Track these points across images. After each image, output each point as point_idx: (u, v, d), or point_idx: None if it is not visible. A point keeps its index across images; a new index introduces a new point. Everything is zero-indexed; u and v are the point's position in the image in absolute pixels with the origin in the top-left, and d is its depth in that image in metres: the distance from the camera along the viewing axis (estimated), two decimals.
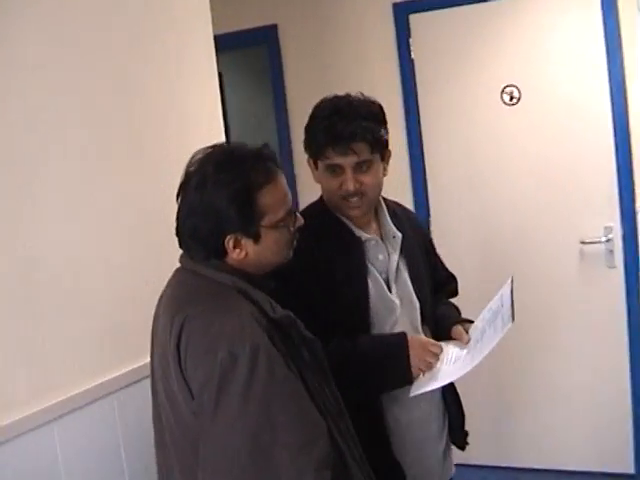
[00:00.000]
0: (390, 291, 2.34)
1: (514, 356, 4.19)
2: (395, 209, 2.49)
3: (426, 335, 2.38)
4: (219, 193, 1.74)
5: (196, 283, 1.81)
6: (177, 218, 1.84)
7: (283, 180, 1.86)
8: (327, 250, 2.29)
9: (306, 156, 2.33)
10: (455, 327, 2.35)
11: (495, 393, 4.35)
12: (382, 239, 2.37)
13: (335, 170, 2.23)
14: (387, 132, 2.30)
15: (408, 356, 2.18)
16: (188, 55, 2.80)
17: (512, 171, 4.15)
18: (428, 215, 4.35)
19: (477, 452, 3.84)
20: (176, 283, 1.87)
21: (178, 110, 2.71)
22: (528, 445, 4.32)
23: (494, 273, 4.08)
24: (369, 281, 2.29)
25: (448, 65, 4.18)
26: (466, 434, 2.56)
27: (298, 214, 1.93)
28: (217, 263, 1.81)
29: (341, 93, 2.28)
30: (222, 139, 2.86)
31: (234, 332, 1.66)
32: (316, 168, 2.31)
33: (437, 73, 4.21)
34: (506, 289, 2.22)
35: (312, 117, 2.29)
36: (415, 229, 2.53)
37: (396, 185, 4.23)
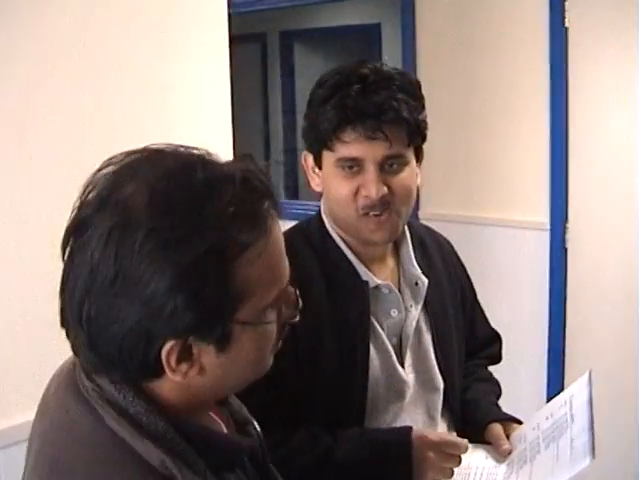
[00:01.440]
0: (402, 364, 1.66)
1: None
2: (423, 236, 1.79)
3: (448, 429, 1.73)
4: (157, 261, 0.89)
5: (94, 444, 0.96)
6: (62, 295, 0.97)
7: (280, 232, 1.01)
8: (313, 297, 1.56)
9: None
10: (492, 426, 1.68)
11: None
12: (399, 284, 1.68)
13: (351, 167, 1.54)
14: (426, 116, 1.59)
15: (411, 463, 1.51)
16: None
17: None
18: (564, 227, 3.56)
19: None
20: (61, 420, 1.00)
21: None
22: None
23: None
24: (371, 348, 1.62)
25: (609, 40, 3.30)
26: None
27: (297, 296, 1.07)
28: (139, 410, 0.97)
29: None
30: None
31: None
32: (318, 167, 1.61)
33: (595, 49, 3.36)
34: (580, 391, 1.54)
35: (318, 86, 1.58)
36: (449, 266, 1.82)
37: (529, 186, 3.64)
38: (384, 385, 1.64)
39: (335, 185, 1.58)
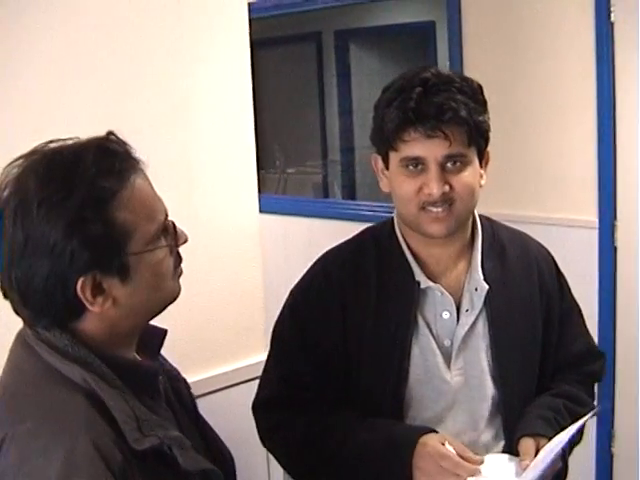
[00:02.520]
0: (449, 365, 1.70)
1: None
2: (505, 242, 1.80)
3: (491, 441, 1.73)
4: (51, 218, 1.17)
5: (33, 374, 1.24)
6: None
7: (145, 180, 1.29)
8: (365, 293, 1.73)
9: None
10: (523, 440, 1.66)
11: None
12: (463, 288, 1.72)
13: (415, 166, 1.61)
14: (488, 119, 1.66)
15: (407, 466, 1.57)
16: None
17: None
18: (614, 225, 3.46)
19: None
20: (11, 364, 1.29)
21: None
22: None
23: None
24: (414, 347, 1.69)
25: None
26: None
27: (179, 227, 1.34)
28: (65, 343, 1.23)
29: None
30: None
31: None
32: (386, 167, 1.70)
33: None
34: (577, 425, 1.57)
35: (384, 91, 1.68)
36: (532, 276, 1.80)
37: (577, 183, 3.56)
38: (426, 383, 1.70)
39: (399, 183, 1.65)
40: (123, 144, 1.29)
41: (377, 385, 1.70)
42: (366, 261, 1.75)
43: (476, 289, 1.71)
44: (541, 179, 3.64)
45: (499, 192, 3.79)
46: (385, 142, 1.65)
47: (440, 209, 1.62)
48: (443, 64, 4.87)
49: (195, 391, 2.20)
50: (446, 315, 1.70)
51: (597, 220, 3.49)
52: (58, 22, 2.00)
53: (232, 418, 2.00)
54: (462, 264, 1.75)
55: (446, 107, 1.56)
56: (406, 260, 1.72)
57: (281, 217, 4.70)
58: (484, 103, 1.66)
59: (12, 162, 1.25)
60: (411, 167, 1.62)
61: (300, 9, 4.94)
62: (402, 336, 1.68)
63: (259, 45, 5.59)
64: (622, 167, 3.40)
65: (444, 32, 5.65)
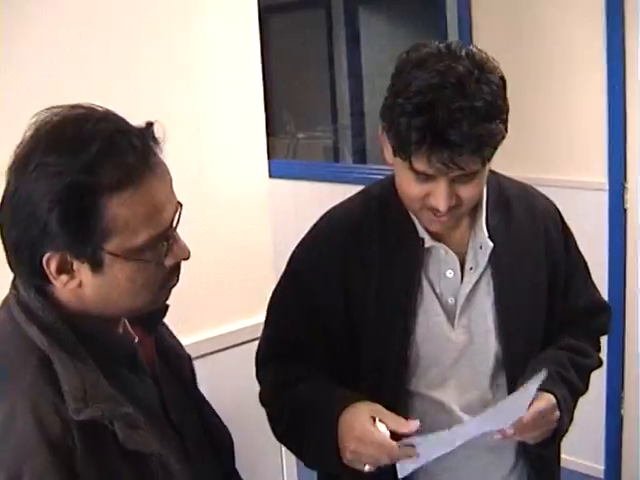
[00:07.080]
0: (453, 324, 1.69)
1: None
2: (510, 198, 1.75)
3: (493, 398, 1.71)
4: (40, 185, 1.15)
5: (4, 333, 1.24)
6: None
7: (160, 186, 1.21)
8: (368, 253, 1.68)
9: None
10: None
11: None
12: (467, 246, 1.68)
13: (425, 176, 1.52)
14: (506, 121, 1.53)
15: (336, 439, 1.58)
16: None
17: None
18: (623, 186, 3.45)
19: None
20: None
21: None
22: None
23: None
24: (418, 307, 1.67)
25: None
26: None
27: (181, 241, 1.27)
28: (37, 305, 1.22)
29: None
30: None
31: None
32: (394, 154, 1.55)
33: None
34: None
35: (401, 86, 1.49)
36: (539, 231, 1.76)
37: (586, 145, 3.57)
38: (430, 342, 1.68)
39: (404, 183, 1.58)
40: (148, 141, 1.22)
41: (382, 346, 1.68)
42: (370, 221, 1.70)
43: (480, 247, 1.68)
44: (550, 141, 3.63)
45: (508, 155, 3.72)
46: (395, 146, 1.52)
47: (444, 216, 1.57)
48: (453, 26, 4.84)
49: (204, 349, 2.24)
50: (450, 274, 1.68)
51: (607, 182, 3.49)
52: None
53: (236, 375, 2.02)
54: (466, 221, 1.69)
55: (470, 146, 1.44)
56: (410, 219, 1.67)
57: (292, 182, 4.71)
58: (504, 103, 1.53)
59: (53, 107, 1.21)
60: (419, 175, 1.52)
61: None
62: (407, 296, 1.66)
63: (269, 11, 5.57)
64: (632, 129, 3.39)
65: None
